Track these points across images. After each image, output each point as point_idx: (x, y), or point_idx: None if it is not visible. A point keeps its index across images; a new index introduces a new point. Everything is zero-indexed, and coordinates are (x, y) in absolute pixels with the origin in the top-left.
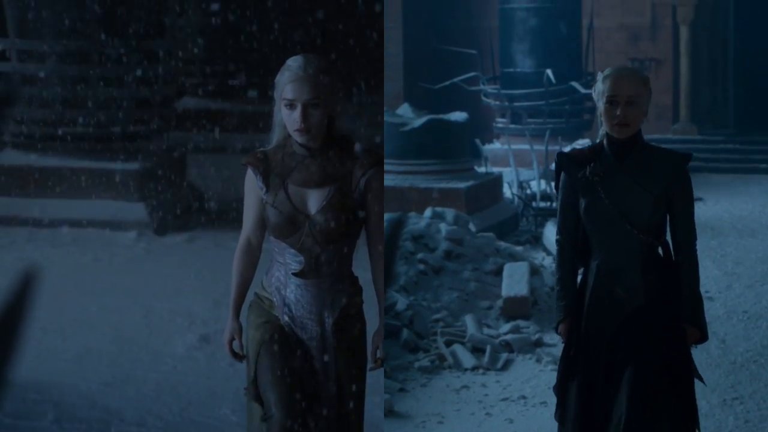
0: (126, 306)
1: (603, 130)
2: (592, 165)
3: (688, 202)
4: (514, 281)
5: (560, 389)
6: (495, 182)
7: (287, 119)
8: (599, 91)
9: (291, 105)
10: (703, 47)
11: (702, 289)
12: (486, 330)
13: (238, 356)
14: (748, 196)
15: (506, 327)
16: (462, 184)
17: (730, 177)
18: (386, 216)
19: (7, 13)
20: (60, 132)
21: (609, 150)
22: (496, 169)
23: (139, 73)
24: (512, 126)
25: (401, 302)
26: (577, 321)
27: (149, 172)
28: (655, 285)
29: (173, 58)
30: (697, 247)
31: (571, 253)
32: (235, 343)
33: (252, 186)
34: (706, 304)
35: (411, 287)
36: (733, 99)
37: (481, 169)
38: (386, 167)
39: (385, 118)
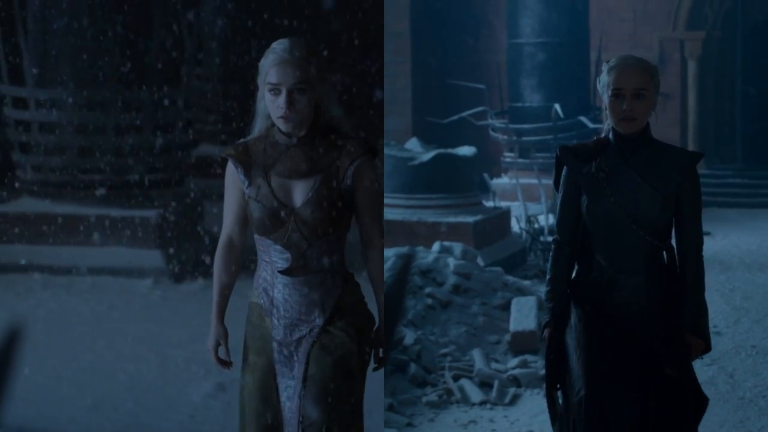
0: (142, 354)
1: (608, 124)
2: (597, 160)
3: (696, 204)
4: (522, 315)
5: (548, 396)
6: (503, 216)
7: (271, 106)
8: (604, 83)
9: (275, 90)
10: (710, 82)
11: (710, 324)
12: (494, 364)
13: (224, 363)
14: (756, 231)
15: (514, 361)
16: (470, 219)
17: (738, 211)
18: (395, 251)
19: (25, 62)
20: (76, 179)
21: (615, 145)
22: (504, 204)
23: (156, 120)
24: (520, 160)
25: (409, 336)
26: (563, 325)
27: (166, 220)
28: (658, 291)
29: (191, 106)
30: (706, 280)
31: (567, 254)
32: (221, 350)
33: (233, 180)
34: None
35: (419, 321)
36: (740, 133)
37: (489, 204)
38: (395, 201)
39: (393, 152)
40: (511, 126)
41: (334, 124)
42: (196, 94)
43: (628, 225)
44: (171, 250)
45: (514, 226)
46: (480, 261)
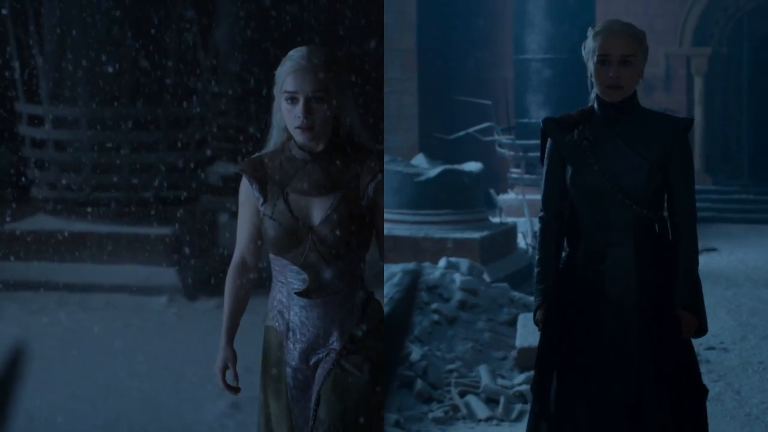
0: (156, 372)
1: (594, 93)
2: (580, 128)
3: (687, 173)
4: (529, 332)
5: (538, 384)
6: (509, 232)
7: (287, 116)
8: (589, 49)
9: (292, 99)
10: (717, 98)
11: (716, 340)
12: (500, 380)
13: (231, 388)
14: (762, 247)
15: (520, 377)
16: (476, 234)
17: (745, 227)
18: (401, 267)
19: (41, 81)
20: (92, 197)
21: (600, 113)
22: (510, 219)
23: (171, 138)
24: (527, 176)
25: (415, 352)
26: (558, 307)
27: (181, 237)
28: (649, 265)
29: (206, 124)
30: (711, 293)
31: (555, 230)
32: (229, 374)
33: (247, 196)
34: (721, 355)
35: (425, 337)
36: (747, 149)
37: (496, 219)
38: (401, 217)
39: (399, 168)
40: (518, 142)
41: (354, 137)
42: (211, 111)
43: (614, 195)
44: (186, 268)
45: (521, 242)
46: (486, 277)
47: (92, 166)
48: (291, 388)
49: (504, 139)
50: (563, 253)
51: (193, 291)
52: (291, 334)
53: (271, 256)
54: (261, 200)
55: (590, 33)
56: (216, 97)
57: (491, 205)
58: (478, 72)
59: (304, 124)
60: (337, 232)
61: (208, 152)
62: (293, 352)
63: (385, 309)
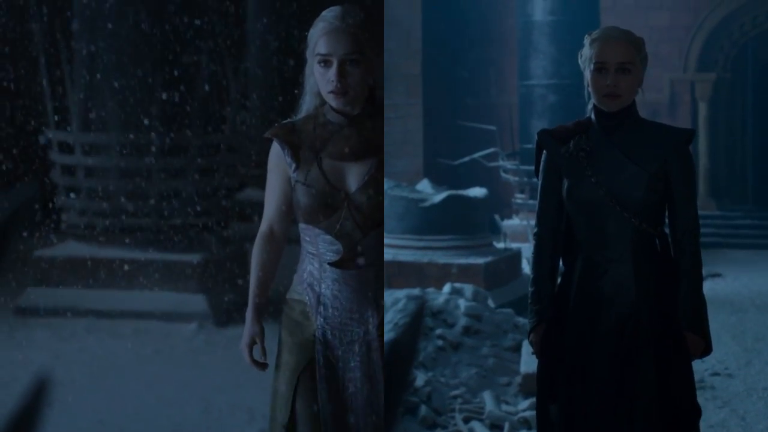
0: (185, 399)
1: (591, 103)
2: (576, 138)
3: (689, 185)
4: (533, 358)
5: (540, 410)
6: (514, 258)
7: (320, 80)
8: (586, 56)
9: (325, 61)
10: (721, 124)
11: (721, 366)
12: (504, 406)
13: (259, 364)
14: (767, 272)
15: (525, 403)
16: (481, 260)
17: (749, 252)
18: (406, 292)
19: (71, 107)
20: (121, 223)
21: (598, 124)
22: (515, 245)
23: (200, 165)
24: (531, 201)
25: (419, 378)
26: (555, 329)
27: (210, 264)
28: (650, 282)
29: (235, 150)
30: (716, 319)
31: (551, 248)
32: (256, 349)
33: (278, 163)
34: (726, 381)
35: (429, 363)
36: (751, 175)
37: (500, 245)
38: (405, 243)
39: (404, 194)
40: (522, 167)
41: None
42: (240, 138)
43: (611, 208)
44: (215, 295)
45: (525, 268)
46: (491, 302)
47: (122, 193)
48: (321, 366)
49: (509, 164)
50: (559, 272)
51: (222, 318)
52: (322, 308)
53: (302, 226)
54: (293, 166)
55: (587, 40)
56: (244, 124)
57: (496, 231)
58: (483, 98)
59: (338, 88)
60: (375, 200)
61: (235, 179)
62: (325, 328)
63: (390, 335)
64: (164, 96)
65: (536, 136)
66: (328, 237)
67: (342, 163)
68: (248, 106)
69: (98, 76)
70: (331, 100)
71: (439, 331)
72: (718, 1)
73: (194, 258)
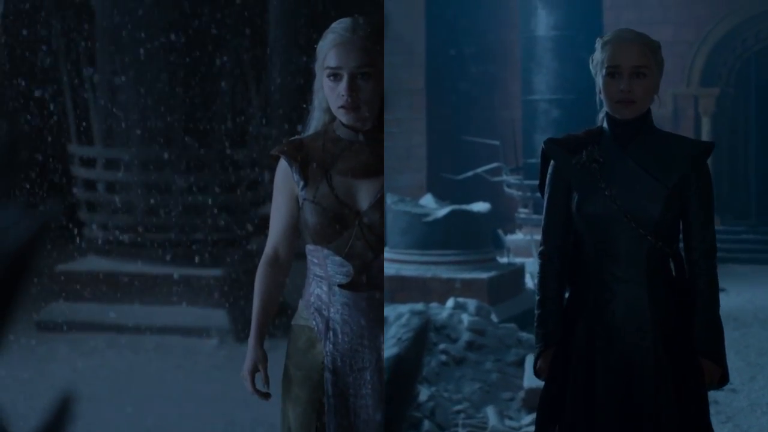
0: (206, 414)
1: (603, 111)
2: (589, 149)
3: (707, 202)
4: None
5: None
6: (517, 273)
7: (330, 94)
8: (597, 61)
9: (335, 75)
10: (724, 138)
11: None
12: (508, 421)
13: (261, 394)
14: None
15: (528, 418)
16: (484, 275)
17: (752, 267)
18: (409, 307)
19: (93, 122)
20: (142, 238)
21: (610, 133)
22: (518, 260)
23: (221, 180)
24: (535, 216)
25: (423, 393)
26: (563, 353)
27: (232, 279)
28: (664, 305)
29: (256, 165)
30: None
31: (557, 267)
32: (259, 377)
33: (285, 181)
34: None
35: (432, 378)
36: (754, 189)
37: (504, 260)
38: (409, 257)
39: (407, 208)
40: (526, 182)
41: None
42: (261, 153)
43: (626, 224)
44: (237, 310)
45: (528, 283)
46: (494, 317)
47: (144, 208)
48: (330, 396)
49: (512, 179)
50: (566, 293)
51: (243, 333)
52: (332, 334)
53: (309, 247)
54: (302, 184)
55: (598, 43)
56: (266, 139)
57: (499, 246)
58: (487, 112)
59: (349, 103)
60: (382, 219)
61: (257, 194)
62: (334, 354)
63: (394, 350)
64: (186, 111)
65: (542, 145)
66: (337, 258)
67: (353, 180)
68: (271, 121)
69: (120, 90)
70: (342, 116)
71: (442, 346)
72: (722, 16)
73: (216, 273)
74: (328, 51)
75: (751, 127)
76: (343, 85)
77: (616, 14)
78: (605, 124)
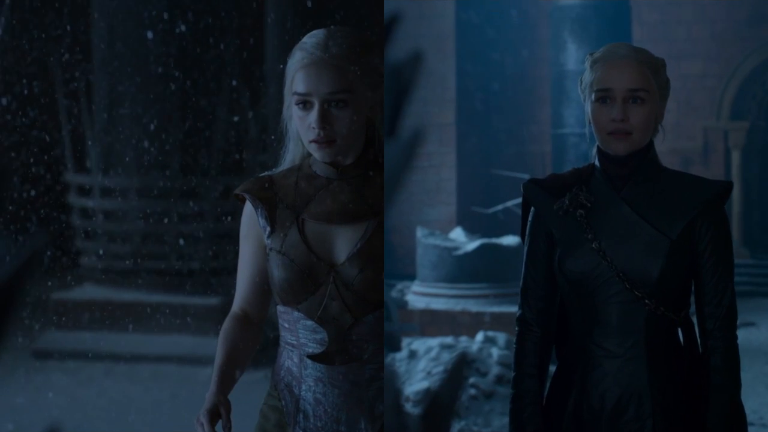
0: None
1: (596, 147)
2: (574, 191)
3: (723, 257)
4: None
5: None
6: None
7: (300, 125)
8: (586, 83)
9: (305, 103)
10: (754, 171)
11: (756, 416)
12: None
13: None
14: None
15: None
16: (514, 308)
17: None
18: (439, 341)
19: (90, 150)
20: (139, 266)
21: (602, 172)
22: None
23: (218, 207)
24: None
25: (453, 427)
26: None
27: (228, 307)
28: (669, 388)
29: None
30: (750, 369)
31: (538, 337)
32: (220, 424)
33: (251, 226)
34: None
35: (462, 411)
36: None
37: None
38: (438, 291)
39: (437, 242)
40: None
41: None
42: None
43: (619, 285)
44: None
45: None
46: None
47: (140, 236)
48: None
49: None
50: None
51: None
52: (302, 416)
53: (280, 308)
54: (268, 230)
55: (588, 61)
56: (263, 167)
57: None
58: (517, 146)
59: (321, 137)
60: (369, 274)
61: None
62: None
63: (424, 383)
64: (182, 138)
65: (522, 188)
66: (309, 323)
67: (329, 226)
68: (268, 148)
69: (117, 119)
70: (314, 151)
71: (472, 380)
72: (751, 50)
73: (212, 301)
74: (296, 73)
75: None
76: (313, 115)
77: (645, 48)
78: (597, 161)
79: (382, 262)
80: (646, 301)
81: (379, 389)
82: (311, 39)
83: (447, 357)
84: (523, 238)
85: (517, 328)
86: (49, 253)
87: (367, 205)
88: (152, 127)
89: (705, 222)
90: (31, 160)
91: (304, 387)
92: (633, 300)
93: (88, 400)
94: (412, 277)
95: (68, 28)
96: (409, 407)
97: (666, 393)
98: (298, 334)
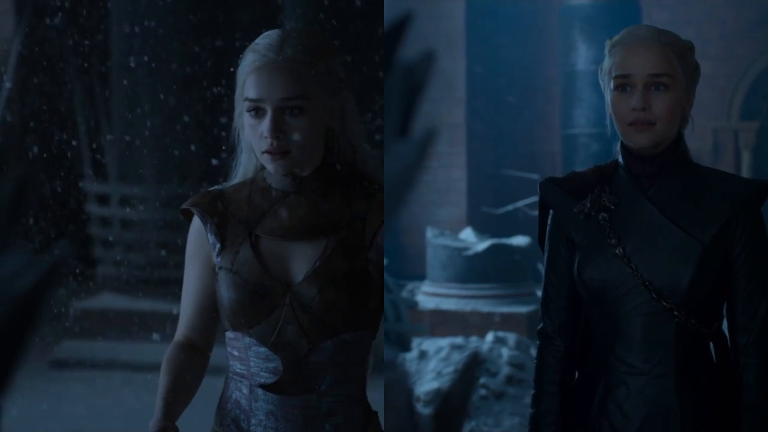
0: None
1: (619, 143)
2: (596, 192)
3: (760, 266)
4: None
5: None
6: None
7: (252, 135)
8: (606, 69)
9: (257, 110)
10: (765, 172)
11: None
12: None
13: None
14: None
15: None
16: (524, 309)
17: None
18: (449, 341)
19: (107, 158)
20: (157, 276)
21: (625, 169)
22: None
23: None
24: None
25: (464, 427)
26: None
27: None
28: (700, 406)
29: None
30: None
31: (560, 352)
32: None
33: (198, 244)
34: None
35: (472, 412)
36: None
37: None
38: (448, 291)
39: (447, 242)
40: None
41: (357, 160)
42: None
43: (645, 295)
44: None
45: None
46: (534, 351)
47: (158, 245)
48: None
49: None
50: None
51: None
52: None
53: (228, 334)
54: (218, 247)
55: (607, 46)
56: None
57: (539, 280)
58: (527, 146)
59: (274, 147)
60: (328, 296)
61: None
62: None
63: (434, 384)
64: (202, 146)
65: (539, 188)
66: (262, 349)
67: (284, 242)
68: None
69: (135, 128)
70: (267, 163)
71: (482, 380)
72: (761, 50)
73: None
74: (247, 77)
75: None
76: (266, 124)
77: None
78: (620, 158)
79: (344, 282)
80: (675, 312)
81: (337, 426)
82: (264, 40)
83: (457, 357)
84: (540, 242)
85: (538, 343)
86: (63, 268)
87: (326, 221)
88: (172, 135)
89: (740, 225)
90: (54, 168)
91: (253, 421)
92: (660, 311)
93: (107, 410)
94: (422, 277)
95: (86, 38)
96: (419, 407)
97: (698, 416)
98: (249, 363)
